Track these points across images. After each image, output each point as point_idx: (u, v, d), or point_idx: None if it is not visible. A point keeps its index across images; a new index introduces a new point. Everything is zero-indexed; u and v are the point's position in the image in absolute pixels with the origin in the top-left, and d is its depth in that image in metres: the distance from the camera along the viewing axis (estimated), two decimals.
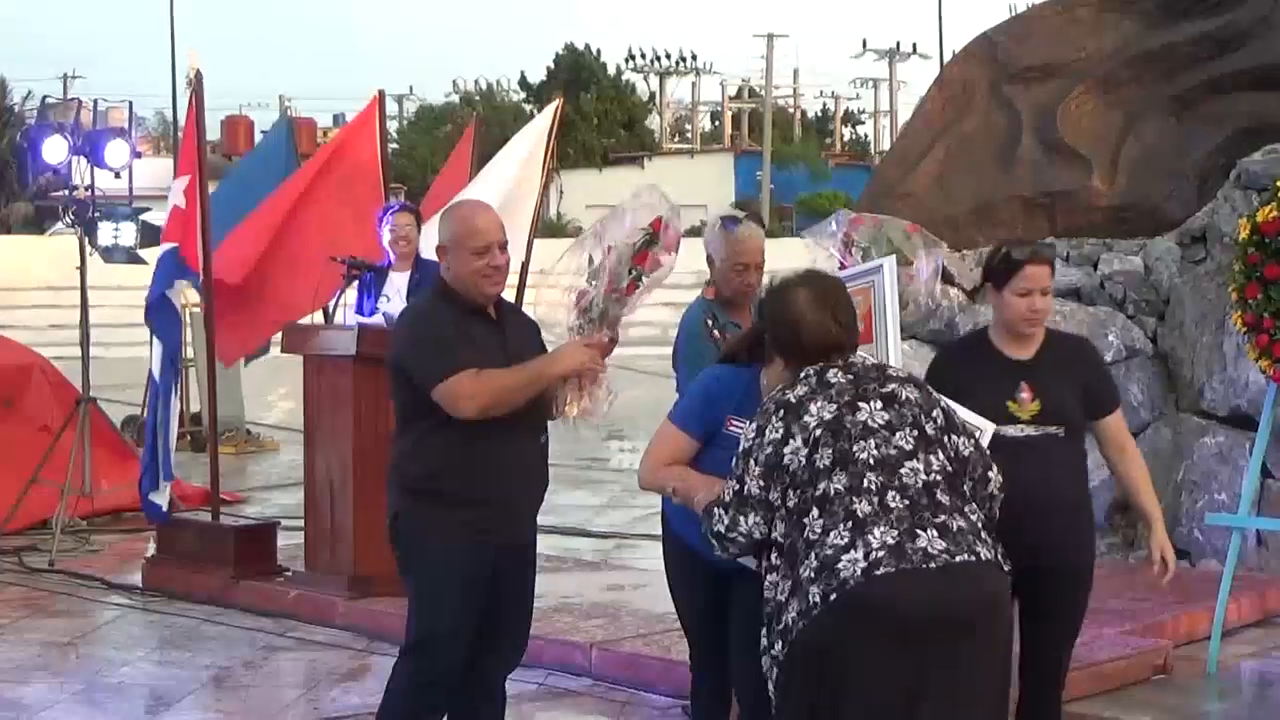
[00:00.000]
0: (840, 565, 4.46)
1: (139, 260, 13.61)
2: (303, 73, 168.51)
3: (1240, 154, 11.06)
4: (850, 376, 4.78)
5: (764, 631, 4.70)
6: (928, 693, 4.46)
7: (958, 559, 4.50)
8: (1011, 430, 5.76)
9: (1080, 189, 12.10)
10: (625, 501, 13.96)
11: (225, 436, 17.20)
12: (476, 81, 69.30)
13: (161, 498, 10.99)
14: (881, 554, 4.45)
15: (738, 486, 4.73)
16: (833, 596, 4.43)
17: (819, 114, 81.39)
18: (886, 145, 62.50)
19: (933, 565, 4.47)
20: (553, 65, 68.03)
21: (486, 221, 5.98)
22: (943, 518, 4.57)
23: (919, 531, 4.51)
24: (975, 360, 5.98)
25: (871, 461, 4.62)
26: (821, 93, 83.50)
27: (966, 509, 4.66)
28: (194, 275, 11.19)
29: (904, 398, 4.77)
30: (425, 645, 5.92)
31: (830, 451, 4.62)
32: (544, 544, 11.87)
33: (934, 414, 4.80)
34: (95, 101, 13.46)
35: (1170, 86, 12.13)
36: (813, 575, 4.49)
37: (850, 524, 4.52)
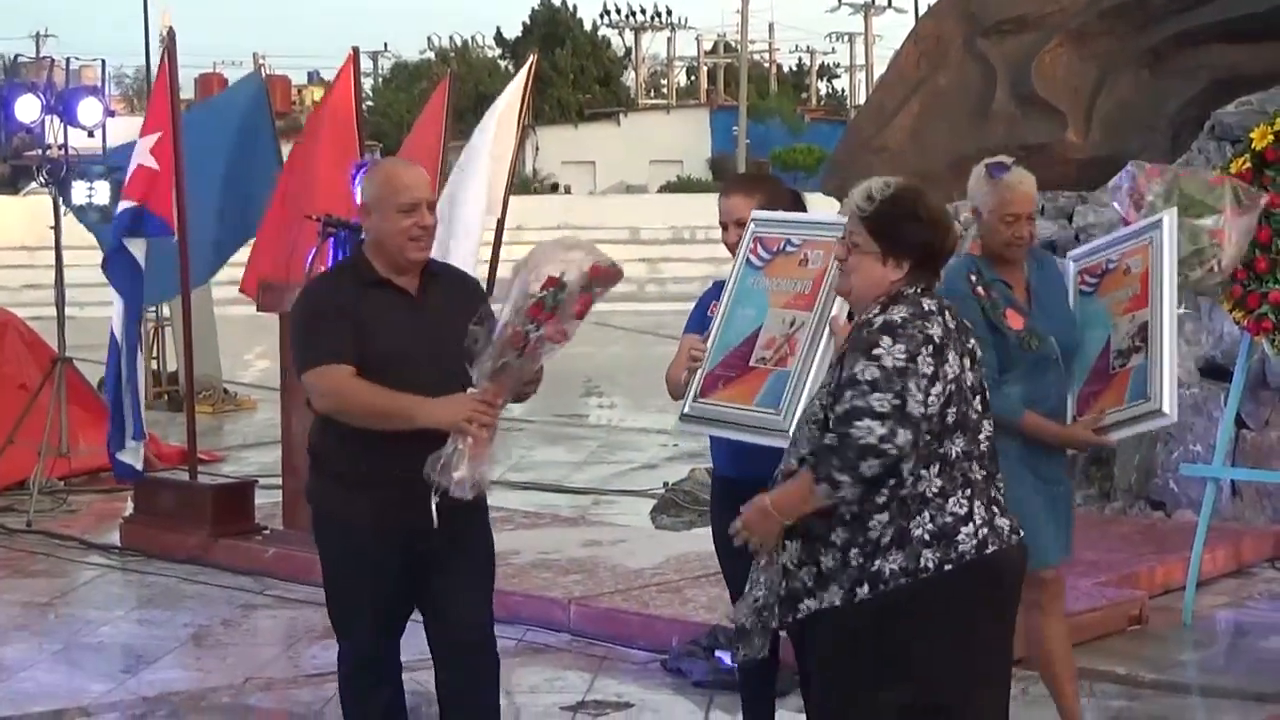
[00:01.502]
0: (960, 538, 4.51)
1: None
2: (277, 30, 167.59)
3: (1213, 106, 11.09)
4: (954, 323, 4.63)
5: (823, 552, 4.56)
6: (994, 647, 4.68)
7: (1019, 535, 4.69)
8: None
9: (1054, 142, 12.12)
10: (603, 457, 14.00)
11: (202, 396, 17.18)
12: (452, 38, 69.04)
13: (132, 456, 10.96)
14: (986, 531, 4.56)
15: (898, 401, 4.40)
16: (948, 567, 4.49)
17: (794, 68, 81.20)
18: (862, 99, 62.41)
19: (1014, 540, 4.65)
20: (528, 21, 67.76)
21: (413, 177, 5.53)
22: (997, 490, 4.68)
23: (995, 506, 4.63)
24: None
25: (976, 427, 4.62)
26: (797, 47, 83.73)
27: (999, 476, 4.74)
28: (169, 232, 11.13)
29: (978, 357, 4.73)
30: (340, 630, 5.73)
31: (954, 411, 4.53)
32: (521, 500, 12.02)
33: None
34: (68, 60, 13.37)
35: (1143, 39, 12.14)
36: (927, 538, 4.48)
37: (969, 492, 4.55)
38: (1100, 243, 6.78)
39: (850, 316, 4.93)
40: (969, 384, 4.60)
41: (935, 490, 4.50)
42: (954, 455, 4.54)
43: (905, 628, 4.50)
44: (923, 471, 4.49)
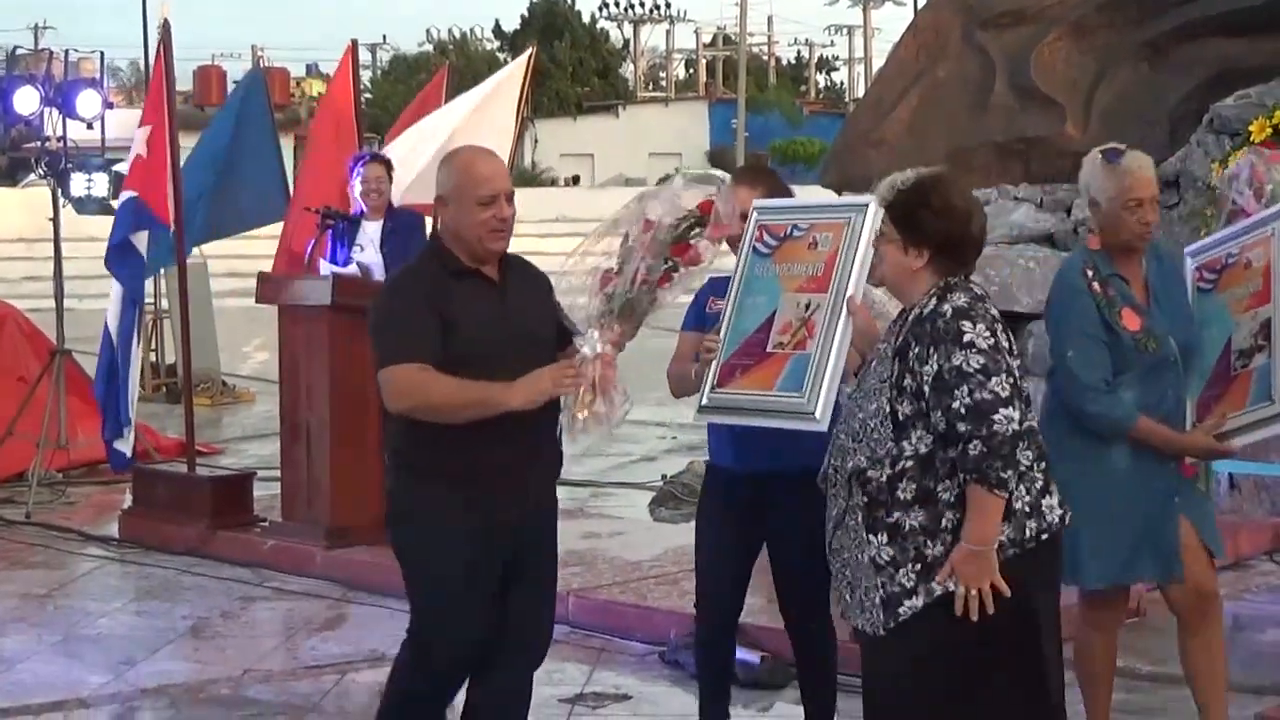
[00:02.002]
0: (1044, 508, 4.67)
1: (112, 211, 13.56)
2: (275, 22, 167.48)
3: (1212, 99, 11.07)
4: (995, 311, 4.74)
5: (929, 543, 4.61)
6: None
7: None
8: None
9: (1053, 135, 12.12)
10: (601, 450, 13.99)
11: (200, 388, 17.17)
12: (450, 30, 69.00)
13: (125, 444, 11.01)
14: (1056, 501, 4.72)
15: (1011, 380, 4.53)
16: (1044, 535, 4.65)
17: (793, 61, 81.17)
18: (861, 92, 62.42)
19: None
20: (526, 14, 67.69)
21: (492, 169, 5.39)
22: None
23: None
24: None
25: (1029, 406, 4.69)
26: (796, 40, 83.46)
27: None
28: (162, 226, 11.15)
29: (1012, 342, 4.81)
30: (426, 640, 5.42)
31: (1021, 384, 4.65)
32: None
33: None
34: (66, 52, 13.38)
35: (1142, 32, 12.14)
36: (1027, 510, 4.62)
37: (1043, 465, 4.68)
38: (1219, 236, 6.49)
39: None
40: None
41: (1026, 464, 4.59)
42: (1029, 429, 4.62)
43: (1018, 597, 4.59)
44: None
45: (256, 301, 10.54)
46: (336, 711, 7.30)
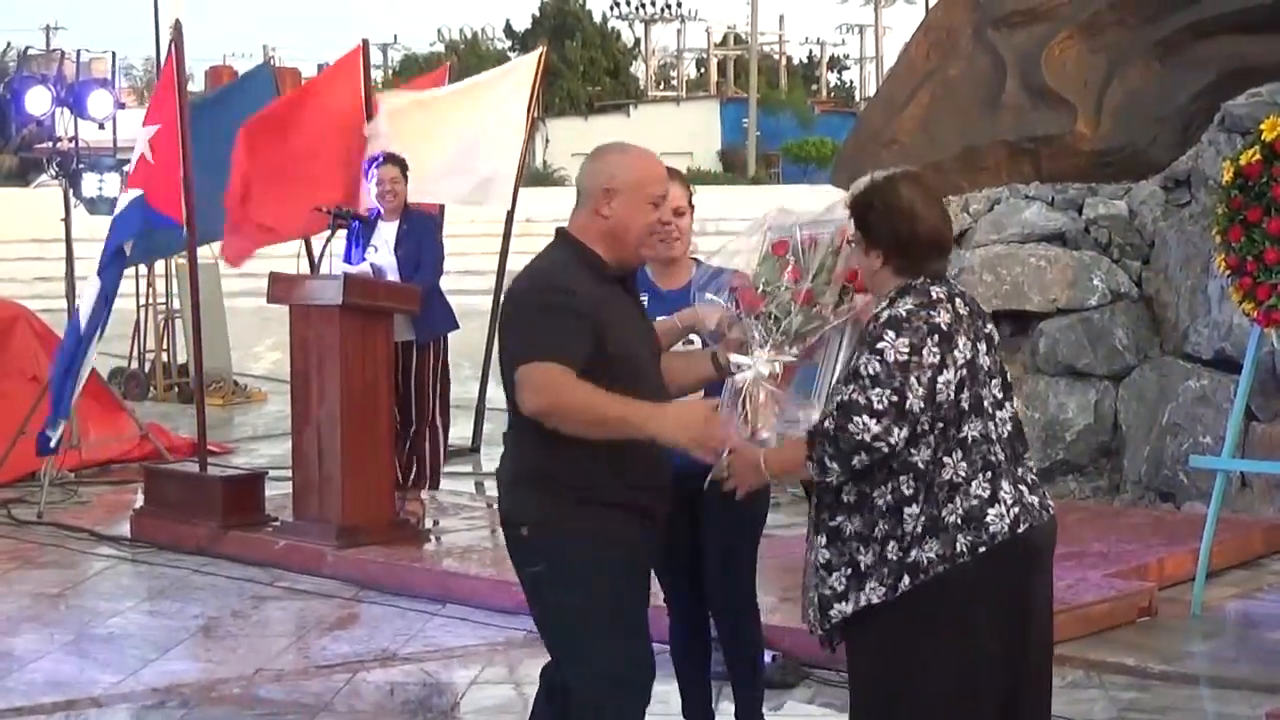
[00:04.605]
0: (988, 519, 4.58)
1: None
2: (286, 22, 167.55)
3: (1224, 97, 11.06)
4: (968, 309, 4.69)
5: (861, 550, 4.62)
6: (1033, 606, 4.75)
7: (1049, 511, 4.75)
8: None
9: (1064, 133, 12.11)
10: None
11: (212, 388, 17.20)
12: (461, 30, 69.07)
13: (54, 432, 11.13)
14: (1017, 510, 4.63)
15: (896, 398, 4.49)
16: (982, 549, 4.57)
17: (804, 60, 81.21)
18: (872, 91, 62.37)
19: (1044, 517, 4.71)
20: (537, 13, 67.75)
21: (664, 170, 5.07)
22: (1024, 468, 4.74)
23: (1022, 485, 4.69)
24: None
25: (991, 409, 4.66)
26: (807, 39, 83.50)
27: (1026, 455, 4.80)
28: (173, 224, 11.15)
29: (995, 341, 4.78)
30: (616, 685, 4.96)
31: (968, 395, 4.61)
32: None
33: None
34: (78, 53, 13.43)
35: (1154, 30, 12.12)
36: (959, 523, 4.56)
37: (990, 474, 4.62)
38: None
39: None
40: (985, 368, 4.65)
41: (961, 476, 4.58)
42: (971, 439, 4.60)
43: (949, 613, 4.57)
44: (945, 459, 4.58)
45: (268, 301, 10.54)
46: (347, 711, 7.31)
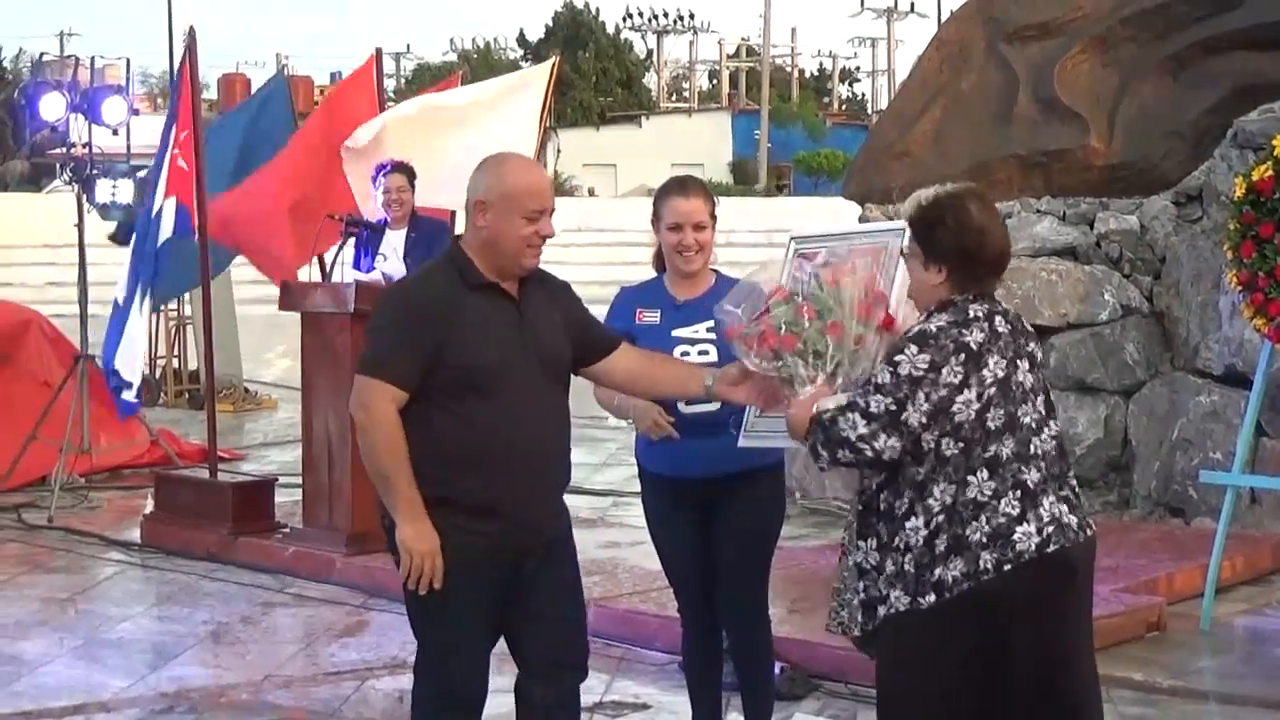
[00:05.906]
0: (1016, 538, 4.59)
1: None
2: (300, 30, 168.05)
3: (1236, 113, 11.06)
4: (1009, 327, 4.73)
5: (883, 562, 4.68)
6: (1065, 625, 4.72)
7: (1089, 531, 4.75)
8: None
9: (1076, 148, 12.10)
10: (622, 459, 13.99)
11: (223, 394, 17.24)
12: (474, 40, 69.25)
13: (129, 394, 11.19)
14: (1051, 529, 4.62)
15: (894, 408, 4.55)
16: (1007, 567, 4.58)
17: (817, 73, 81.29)
18: (884, 104, 62.38)
19: (1080, 538, 4.70)
20: (550, 23, 67.91)
21: (546, 181, 5.12)
22: (1068, 489, 4.74)
23: (1064, 504, 4.69)
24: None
25: (1034, 426, 4.68)
26: (819, 51, 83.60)
27: (1069, 474, 4.80)
28: (190, 231, 11.19)
29: (1038, 359, 4.80)
30: (432, 674, 5.19)
31: (1001, 413, 4.61)
32: None
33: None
34: (92, 59, 13.43)
35: (1166, 46, 12.11)
36: (985, 541, 4.57)
37: (1020, 493, 4.62)
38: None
39: None
40: (1027, 386, 4.68)
41: (988, 494, 4.60)
42: (1004, 457, 4.62)
43: (976, 628, 4.58)
44: (970, 478, 4.60)
45: (279, 309, 10.56)
46: (356, 718, 7.31)
